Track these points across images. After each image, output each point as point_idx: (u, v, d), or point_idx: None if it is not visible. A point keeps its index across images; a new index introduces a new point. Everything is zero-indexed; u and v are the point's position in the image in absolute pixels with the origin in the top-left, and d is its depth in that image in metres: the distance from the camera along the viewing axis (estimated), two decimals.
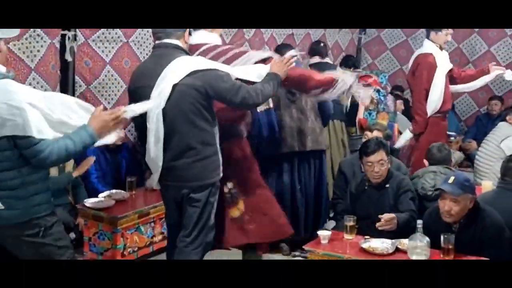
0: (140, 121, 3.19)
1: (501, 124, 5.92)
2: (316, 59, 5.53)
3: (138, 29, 4.65)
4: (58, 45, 4.27)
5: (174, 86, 3.08)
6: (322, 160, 4.68)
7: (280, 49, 4.51)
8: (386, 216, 3.44)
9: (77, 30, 4.33)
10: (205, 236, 3.31)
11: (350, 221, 3.45)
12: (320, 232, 3.47)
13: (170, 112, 3.10)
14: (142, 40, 4.73)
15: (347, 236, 3.44)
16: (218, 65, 3.25)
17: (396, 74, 7.92)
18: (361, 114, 5.99)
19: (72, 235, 4.17)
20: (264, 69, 3.44)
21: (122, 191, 4.21)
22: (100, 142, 2.78)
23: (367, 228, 3.59)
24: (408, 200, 3.70)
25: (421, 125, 5.25)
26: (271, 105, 4.21)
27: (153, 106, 3.06)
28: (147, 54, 4.76)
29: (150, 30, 4.63)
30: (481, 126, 7.13)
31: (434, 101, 5.16)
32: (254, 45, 6.08)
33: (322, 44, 5.75)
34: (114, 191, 4.23)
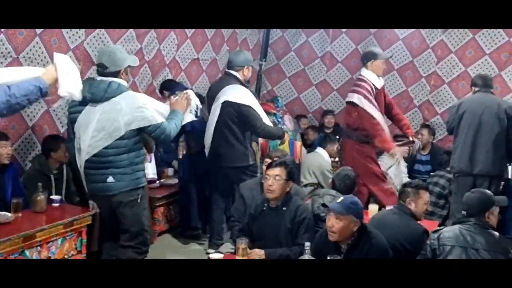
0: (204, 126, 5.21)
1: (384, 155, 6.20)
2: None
3: (30, 45, 4.46)
4: None
5: (222, 103, 5.00)
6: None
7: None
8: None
9: None
10: None
11: (242, 244, 3.49)
12: (212, 255, 3.51)
13: (219, 119, 5.05)
14: (34, 56, 4.52)
15: (239, 258, 3.46)
16: (248, 101, 5.04)
17: (293, 102, 7.97)
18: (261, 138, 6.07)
19: None
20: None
21: (7, 213, 3.98)
22: (184, 121, 4.07)
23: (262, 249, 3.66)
24: (302, 234, 3.79)
25: None
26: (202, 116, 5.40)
27: (211, 116, 5.12)
28: None
29: (42, 46, 4.54)
30: None
31: None
32: (153, 67, 6.01)
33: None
34: None
